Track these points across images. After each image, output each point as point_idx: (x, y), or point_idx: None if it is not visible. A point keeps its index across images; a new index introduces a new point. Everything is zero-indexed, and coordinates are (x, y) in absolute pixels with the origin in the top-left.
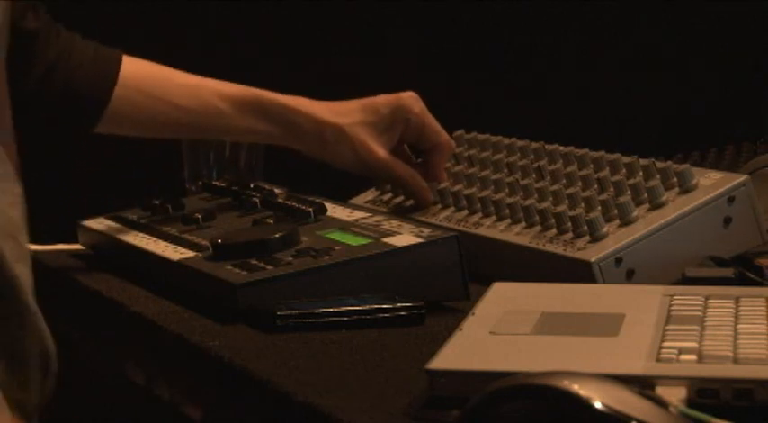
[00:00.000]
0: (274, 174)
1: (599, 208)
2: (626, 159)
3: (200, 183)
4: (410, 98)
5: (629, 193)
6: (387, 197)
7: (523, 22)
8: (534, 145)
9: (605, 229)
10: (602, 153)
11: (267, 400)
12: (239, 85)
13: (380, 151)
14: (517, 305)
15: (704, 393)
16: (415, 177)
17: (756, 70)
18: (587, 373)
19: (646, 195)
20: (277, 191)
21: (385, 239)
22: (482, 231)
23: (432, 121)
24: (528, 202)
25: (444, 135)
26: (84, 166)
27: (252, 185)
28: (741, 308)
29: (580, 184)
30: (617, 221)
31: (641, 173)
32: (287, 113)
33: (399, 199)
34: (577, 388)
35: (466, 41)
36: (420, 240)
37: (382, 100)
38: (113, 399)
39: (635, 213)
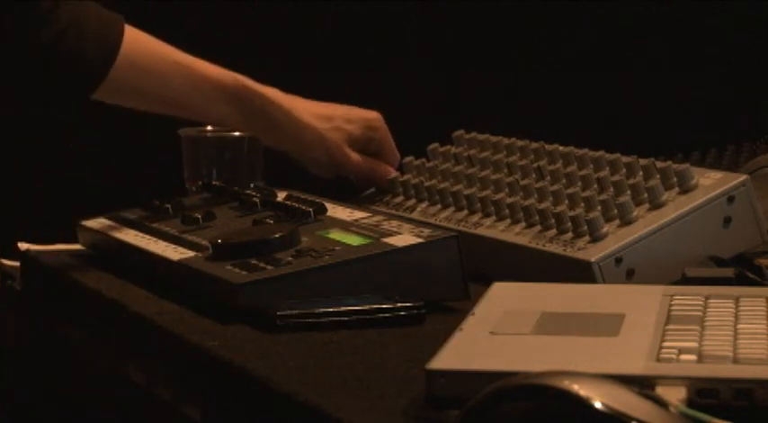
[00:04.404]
0: (274, 174)
1: (599, 208)
2: (626, 159)
3: (200, 183)
4: (377, 119)
5: (628, 192)
6: (387, 197)
7: (524, 22)
8: (534, 145)
9: (605, 229)
10: (601, 153)
11: (267, 400)
12: (227, 72)
13: (352, 154)
14: (517, 305)
15: (704, 393)
16: (379, 165)
17: (756, 70)
18: (587, 373)
19: (645, 195)
20: (277, 191)
21: (385, 239)
22: (482, 231)
23: (390, 143)
24: (528, 202)
25: (396, 155)
26: (84, 166)
27: (252, 185)
28: (741, 308)
29: (580, 183)
30: (617, 221)
31: (641, 173)
32: (267, 109)
33: (399, 199)
34: (577, 388)
35: (466, 41)
36: (420, 240)
37: (356, 112)
38: (113, 399)
39: (635, 213)
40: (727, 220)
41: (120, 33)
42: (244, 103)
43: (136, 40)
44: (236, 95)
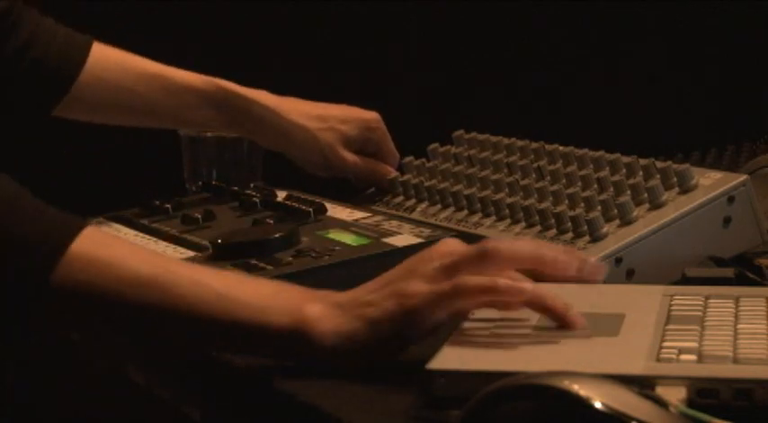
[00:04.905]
0: (274, 174)
1: (599, 208)
2: (626, 159)
3: (200, 183)
4: (375, 120)
5: (628, 192)
6: (387, 197)
7: (524, 23)
8: (534, 145)
9: (605, 229)
10: (601, 153)
11: (267, 400)
12: (205, 77)
13: (348, 155)
14: None
15: (704, 393)
16: (377, 165)
17: (756, 70)
18: (587, 373)
19: (645, 195)
20: (277, 191)
21: (385, 239)
22: (482, 231)
23: (389, 143)
24: (528, 202)
25: (395, 156)
26: (85, 165)
27: (252, 185)
28: (741, 308)
29: (580, 183)
30: (617, 221)
31: (641, 173)
32: (252, 110)
33: (399, 199)
34: (577, 388)
35: (466, 41)
36: (420, 240)
37: (353, 112)
38: (113, 399)
39: (635, 213)
40: (727, 220)
41: (85, 50)
42: (225, 106)
43: (104, 56)
44: (215, 99)
